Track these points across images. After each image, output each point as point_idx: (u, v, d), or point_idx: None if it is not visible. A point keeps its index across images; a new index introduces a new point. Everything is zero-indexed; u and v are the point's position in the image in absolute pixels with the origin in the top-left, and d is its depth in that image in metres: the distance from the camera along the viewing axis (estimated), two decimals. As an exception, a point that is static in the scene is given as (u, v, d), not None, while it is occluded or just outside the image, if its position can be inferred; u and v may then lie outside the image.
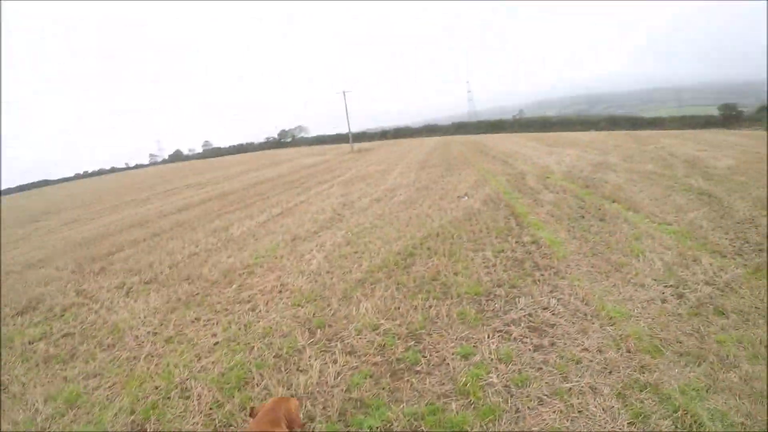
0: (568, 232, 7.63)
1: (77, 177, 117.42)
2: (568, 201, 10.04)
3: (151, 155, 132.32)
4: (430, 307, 5.23)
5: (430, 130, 74.96)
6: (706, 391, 3.24)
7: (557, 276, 5.72)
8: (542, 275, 5.79)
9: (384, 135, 78.37)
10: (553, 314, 4.71)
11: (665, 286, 5.13)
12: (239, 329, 5.21)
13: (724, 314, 4.38)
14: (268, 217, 12.52)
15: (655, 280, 5.32)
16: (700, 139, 25.11)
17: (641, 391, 3.34)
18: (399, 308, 5.27)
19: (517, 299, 5.16)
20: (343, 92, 57.98)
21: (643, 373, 3.53)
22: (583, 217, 8.60)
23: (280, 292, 6.29)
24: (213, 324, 5.47)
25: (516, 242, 7.31)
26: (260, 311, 5.66)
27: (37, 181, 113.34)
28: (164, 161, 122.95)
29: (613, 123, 54.85)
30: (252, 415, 2.71)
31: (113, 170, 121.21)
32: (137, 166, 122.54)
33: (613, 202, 9.60)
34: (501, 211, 9.67)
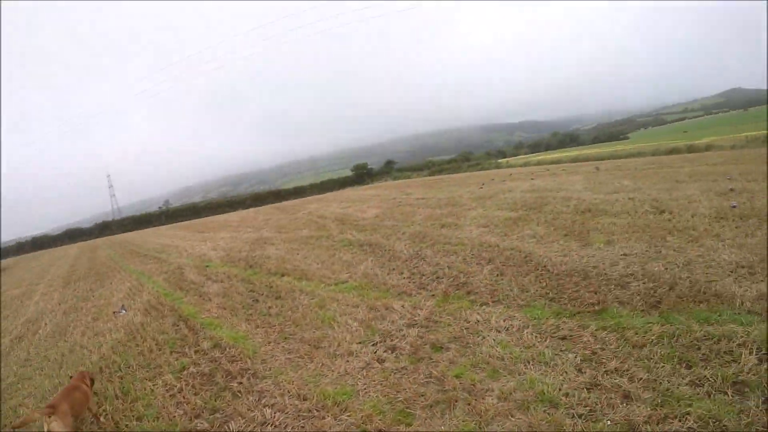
0: (248, 323, 7.41)
1: None
2: (237, 287, 9.98)
3: None
4: None
5: (72, 236, 77.71)
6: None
7: (258, 378, 5.35)
8: (241, 384, 5.30)
9: (21, 248, 78.27)
10: (275, 427, 4.20)
11: (374, 345, 5.53)
12: None
13: (442, 348, 4.98)
14: None
15: (360, 343, 5.67)
16: (341, 198, 30.51)
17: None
18: None
19: (226, 426, 4.39)
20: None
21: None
22: (257, 300, 8.63)
23: None
24: None
25: (196, 352, 6.62)
26: None
27: None
28: None
29: (258, 199, 63.03)
30: None
31: None
32: None
33: (282, 275, 10.15)
34: (167, 318, 8.79)
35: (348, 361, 5.24)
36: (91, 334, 9.18)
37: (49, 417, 4.62)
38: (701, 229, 8.41)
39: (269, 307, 7.96)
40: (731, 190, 11.60)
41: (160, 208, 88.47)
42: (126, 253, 26.83)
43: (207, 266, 13.79)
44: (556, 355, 4.64)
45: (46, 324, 11.32)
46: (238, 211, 49.67)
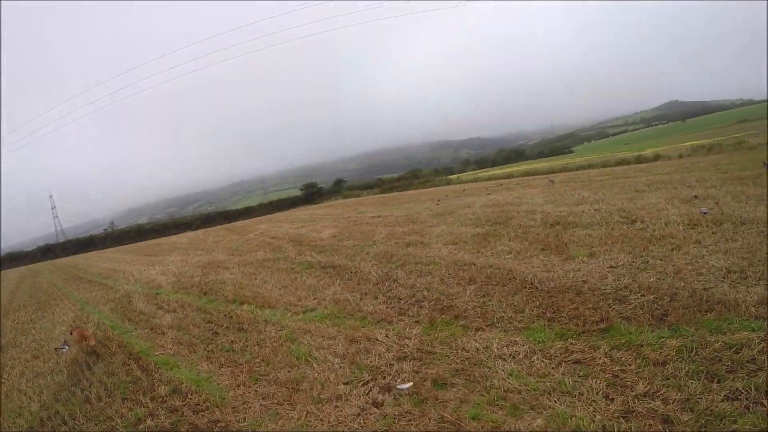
0: (210, 361, 6.56)
1: None
2: (192, 318, 9.09)
3: None
4: None
5: (13, 258, 75.07)
6: None
7: None
8: None
9: None
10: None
11: (364, 385, 4.85)
12: None
13: (446, 384, 4.45)
14: None
15: (347, 383, 4.97)
16: (292, 217, 29.72)
17: None
18: None
19: None
20: None
21: None
22: (217, 333, 7.78)
23: None
24: None
25: (152, 399, 5.72)
26: None
27: None
28: None
29: (207, 220, 62.05)
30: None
31: None
32: None
33: (242, 303, 9.35)
34: (116, 356, 7.81)
35: (337, 406, 4.54)
36: (31, 375, 8.14)
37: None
38: (680, 236, 8.21)
39: (232, 342, 7.13)
40: (695, 197, 11.62)
41: (105, 230, 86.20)
42: (69, 279, 25.49)
43: (157, 293, 12.77)
44: (576, 382, 4.18)
45: None
46: (187, 233, 48.46)
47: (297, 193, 71.60)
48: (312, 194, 66.38)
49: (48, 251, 72.76)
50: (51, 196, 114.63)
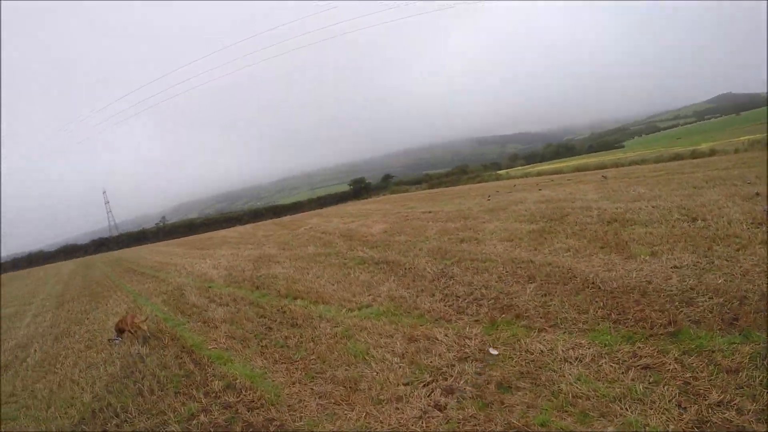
0: (264, 357, 6.46)
1: None
2: (245, 312, 9.05)
3: None
4: None
5: (68, 251, 77.60)
6: None
7: None
8: None
9: (16, 264, 78.25)
10: None
11: (425, 386, 4.60)
12: None
13: (511, 387, 4.24)
14: None
15: (407, 384, 4.73)
16: (341, 212, 29.67)
17: None
18: None
19: None
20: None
21: None
22: (271, 328, 7.68)
23: None
24: None
25: (206, 395, 5.64)
26: None
27: None
28: None
29: (256, 215, 63.02)
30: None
31: None
32: None
33: (295, 298, 9.25)
34: (169, 349, 7.83)
35: (398, 408, 4.30)
36: (84, 366, 8.27)
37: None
38: (745, 236, 7.61)
39: (286, 337, 7.01)
40: (757, 194, 10.82)
41: (156, 224, 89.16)
42: (122, 271, 26.34)
43: (209, 287, 12.89)
44: (647, 389, 3.86)
45: (35, 351, 10.45)
46: (236, 227, 49.39)
47: (344, 188, 71.94)
48: (360, 189, 66.59)
49: (101, 245, 76.28)
50: (104, 192, 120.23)
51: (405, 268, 9.63)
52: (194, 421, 5.09)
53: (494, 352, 4.99)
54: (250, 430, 4.63)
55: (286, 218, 43.06)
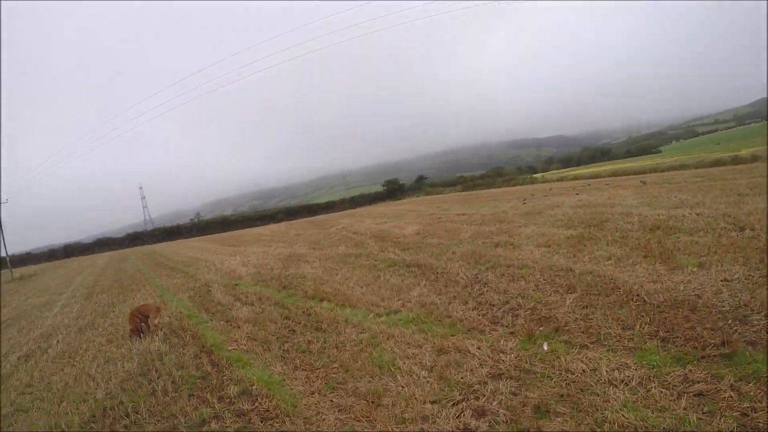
0: (284, 362, 6.12)
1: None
2: (270, 313, 8.78)
3: None
4: None
5: (103, 244, 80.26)
6: None
7: None
8: None
9: (53, 255, 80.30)
10: None
11: (454, 405, 4.16)
12: None
13: (549, 412, 3.78)
14: None
15: (435, 402, 4.30)
16: (374, 213, 29.36)
17: None
18: None
19: None
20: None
21: None
22: (294, 331, 7.36)
23: None
24: None
25: (220, 400, 5.36)
26: None
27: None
28: None
29: (289, 213, 63.67)
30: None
31: None
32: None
33: (321, 300, 8.94)
34: (189, 348, 7.62)
35: (423, 429, 3.89)
36: (102, 361, 8.15)
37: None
38: None
39: (309, 342, 6.67)
40: None
41: (191, 220, 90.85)
42: (153, 265, 26.77)
43: (236, 284, 12.73)
44: (701, 420, 3.41)
45: (58, 342, 10.47)
46: (270, 225, 49.89)
47: (378, 189, 71.79)
48: (394, 190, 66.25)
49: (136, 238, 78.54)
50: (141, 188, 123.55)
51: (437, 273, 9.18)
52: (205, 428, 4.81)
53: (546, 347, 4.86)
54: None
55: (320, 217, 43.15)
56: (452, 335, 5.75)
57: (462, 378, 4.64)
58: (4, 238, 52.10)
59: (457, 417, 3.99)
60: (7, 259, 52.73)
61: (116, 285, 19.82)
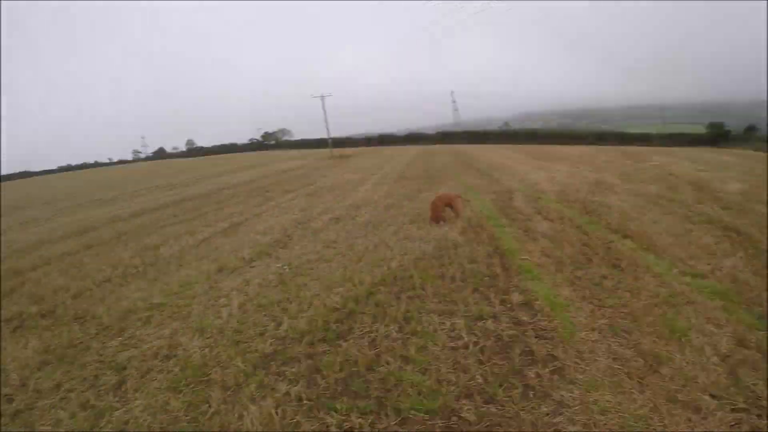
0: (572, 288, 6.30)
1: (60, 170, 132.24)
2: (568, 234, 8.91)
3: (135, 151, 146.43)
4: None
5: (414, 138, 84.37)
6: None
7: (562, 380, 4.21)
8: (539, 377, 4.27)
9: (368, 142, 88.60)
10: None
11: (733, 410, 3.67)
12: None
13: None
14: (211, 234, 12.54)
15: (713, 396, 3.84)
16: (693, 157, 25.87)
17: None
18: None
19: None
20: (322, 96, 62.74)
21: None
22: (591, 260, 7.36)
23: (164, 360, 5.32)
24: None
25: (501, 303, 5.91)
26: (125, 393, 4.69)
27: (17, 172, 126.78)
28: (147, 158, 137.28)
29: (599, 138, 59.40)
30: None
31: (96, 165, 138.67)
32: (120, 162, 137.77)
33: (625, 237, 8.59)
34: (483, 246, 8.41)
35: (693, 418, 3.58)
36: (402, 236, 9.50)
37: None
38: None
39: (603, 276, 6.63)
40: None
41: (499, 127, 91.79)
42: (460, 164, 28.41)
43: (539, 198, 13.04)
44: None
45: (365, 213, 12.37)
46: (578, 146, 47.29)
47: (700, 130, 61.66)
48: (717, 136, 55.87)
49: (445, 136, 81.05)
50: (452, 92, 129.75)
51: (758, 247, 7.61)
52: (479, 324, 5.34)
53: None
54: (528, 357, 4.62)
55: (631, 148, 39.20)
56: (759, 329, 4.86)
57: (754, 386, 3.92)
58: (327, 124, 65.37)
59: (737, 425, 3.51)
60: (329, 140, 65.66)
61: (424, 175, 21.97)
